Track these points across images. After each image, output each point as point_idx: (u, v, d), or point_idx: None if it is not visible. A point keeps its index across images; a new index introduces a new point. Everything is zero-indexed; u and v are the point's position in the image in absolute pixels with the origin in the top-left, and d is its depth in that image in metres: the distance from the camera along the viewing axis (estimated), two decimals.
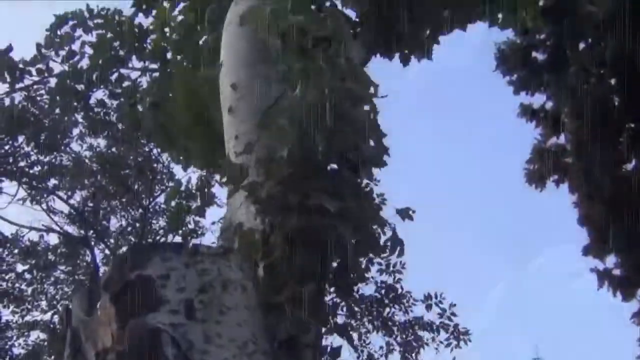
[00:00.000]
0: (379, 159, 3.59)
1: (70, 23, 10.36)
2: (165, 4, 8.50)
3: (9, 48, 10.20)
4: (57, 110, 11.19)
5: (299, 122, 3.49)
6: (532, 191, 16.94)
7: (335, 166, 3.64)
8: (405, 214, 3.82)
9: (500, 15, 9.31)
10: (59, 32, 10.37)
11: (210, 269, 2.85)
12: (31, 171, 15.87)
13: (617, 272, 15.87)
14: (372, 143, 3.55)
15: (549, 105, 16.79)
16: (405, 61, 8.86)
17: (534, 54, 16.60)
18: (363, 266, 3.80)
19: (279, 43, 3.89)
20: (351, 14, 9.38)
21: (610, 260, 15.99)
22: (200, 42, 7.24)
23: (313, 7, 4.61)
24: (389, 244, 3.91)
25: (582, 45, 16.12)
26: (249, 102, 4.32)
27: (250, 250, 3.38)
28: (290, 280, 3.33)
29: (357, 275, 3.75)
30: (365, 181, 3.62)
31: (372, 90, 3.57)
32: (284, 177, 3.38)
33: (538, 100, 17.05)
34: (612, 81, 15.97)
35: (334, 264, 3.60)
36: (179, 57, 7.87)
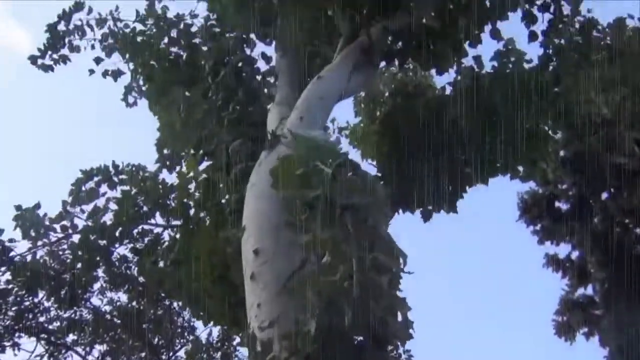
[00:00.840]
0: (406, 334, 3.45)
1: (95, 179, 10.53)
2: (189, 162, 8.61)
3: (37, 205, 10.33)
4: (79, 265, 11.17)
5: (325, 293, 3.38)
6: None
7: (361, 338, 3.49)
8: None
9: (521, 169, 9.38)
10: (83, 188, 10.52)
11: None
12: (50, 326, 15.73)
13: None
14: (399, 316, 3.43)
15: (575, 255, 16.64)
16: (427, 217, 8.86)
17: (557, 203, 16.63)
18: None
19: (306, 210, 3.82)
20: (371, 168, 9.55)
21: None
22: (223, 201, 7.25)
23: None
24: None
25: (604, 195, 16.13)
26: (272, 268, 4.23)
27: None
28: None
29: None
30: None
31: (400, 260, 3.48)
32: (310, 352, 3.24)
33: (563, 250, 16.95)
34: (638, 230, 15.85)
35: None
36: (201, 215, 7.88)
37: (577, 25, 8.58)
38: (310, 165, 3.93)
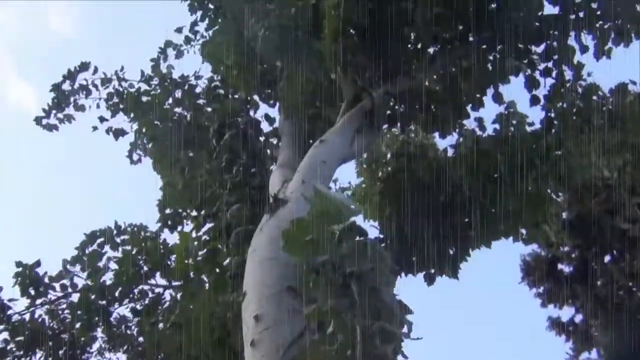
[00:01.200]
0: None
1: (98, 241, 10.46)
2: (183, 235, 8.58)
3: (37, 263, 10.23)
4: (78, 325, 11.02)
5: None
6: None
7: None
8: None
9: (523, 231, 9.32)
10: (87, 251, 10.44)
11: None
12: None
13: None
14: None
15: (578, 318, 16.44)
16: (430, 281, 8.78)
17: (559, 266, 16.50)
18: None
19: (313, 276, 3.75)
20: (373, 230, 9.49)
21: None
22: (225, 263, 7.19)
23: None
24: None
25: (607, 258, 16.01)
26: (273, 335, 4.15)
27: None
28: None
29: None
30: None
31: (405, 328, 3.42)
32: None
33: (567, 313, 16.77)
34: None
35: None
36: (202, 277, 7.81)
37: (579, 90, 8.62)
38: (327, 227, 3.86)
